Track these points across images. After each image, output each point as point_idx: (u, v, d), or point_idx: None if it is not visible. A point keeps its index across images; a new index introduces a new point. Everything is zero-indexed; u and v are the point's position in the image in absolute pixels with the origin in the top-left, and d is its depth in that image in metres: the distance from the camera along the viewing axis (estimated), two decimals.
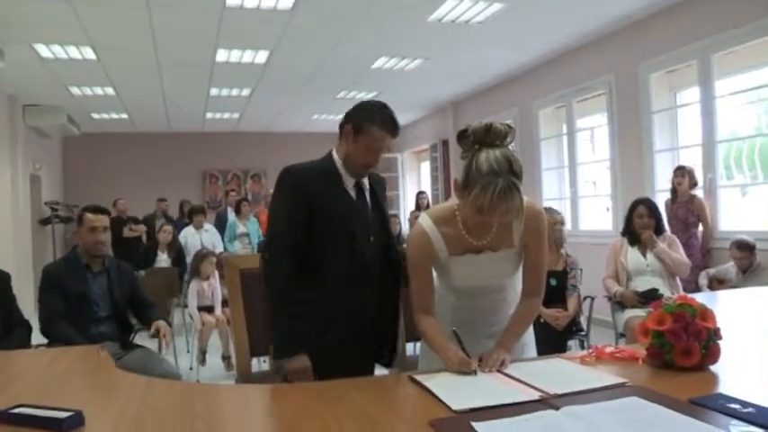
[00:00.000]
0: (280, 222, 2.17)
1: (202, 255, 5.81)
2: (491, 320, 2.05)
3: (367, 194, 2.25)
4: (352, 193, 2.20)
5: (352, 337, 2.14)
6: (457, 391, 1.54)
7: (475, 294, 2.05)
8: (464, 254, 1.94)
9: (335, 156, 2.20)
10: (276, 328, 2.13)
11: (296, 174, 2.16)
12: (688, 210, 5.41)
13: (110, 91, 8.57)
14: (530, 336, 2.15)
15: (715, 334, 1.69)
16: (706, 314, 1.71)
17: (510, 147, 1.80)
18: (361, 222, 2.19)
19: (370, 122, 2.11)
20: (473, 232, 1.92)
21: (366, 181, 2.25)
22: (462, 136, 1.81)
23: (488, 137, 1.76)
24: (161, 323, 3.42)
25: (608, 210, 7.09)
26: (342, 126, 2.19)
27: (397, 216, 8.70)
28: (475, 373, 1.71)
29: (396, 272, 2.26)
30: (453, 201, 1.95)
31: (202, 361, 5.35)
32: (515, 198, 1.71)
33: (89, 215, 3.43)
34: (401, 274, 2.22)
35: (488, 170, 1.70)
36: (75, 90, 8.42)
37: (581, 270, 4.39)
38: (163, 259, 6.96)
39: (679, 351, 1.66)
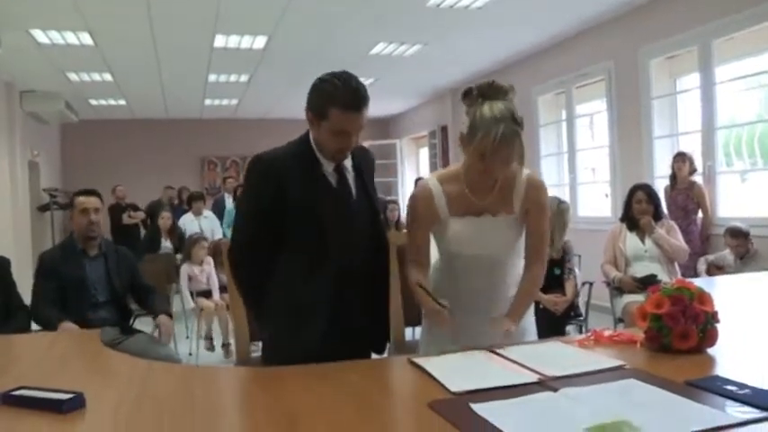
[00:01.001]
0: (245, 220, 2.07)
1: (194, 240, 5.84)
2: (490, 300, 2.05)
3: (350, 177, 2.03)
4: (332, 179, 1.98)
5: (338, 330, 1.95)
6: (456, 374, 1.55)
7: (473, 267, 2.03)
8: (465, 216, 1.98)
9: (312, 139, 1.98)
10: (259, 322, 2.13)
11: (267, 162, 1.97)
12: (688, 196, 5.42)
13: (108, 77, 8.53)
14: (530, 320, 2.18)
15: (713, 317, 1.70)
16: (704, 298, 1.72)
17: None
18: (343, 210, 1.99)
19: (328, 104, 1.85)
20: (476, 190, 1.98)
21: (349, 162, 2.03)
22: (467, 92, 1.93)
23: (491, 91, 1.89)
24: (162, 319, 3.41)
25: (607, 196, 7.10)
26: (305, 111, 1.95)
27: (396, 202, 8.68)
28: (447, 309, 1.85)
29: (384, 259, 2.14)
30: (460, 164, 2.03)
31: (210, 348, 5.36)
32: (516, 143, 1.83)
33: (80, 198, 3.44)
34: (389, 259, 2.17)
35: (491, 117, 1.82)
36: (72, 76, 8.38)
37: (579, 256, 4.40)
38: (166, 246, 6.96)
39: (677, 334, 1.67)
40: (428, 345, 2.08)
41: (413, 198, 2.07)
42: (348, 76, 1.88)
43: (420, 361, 1.68)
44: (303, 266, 1.97)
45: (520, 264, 2.10)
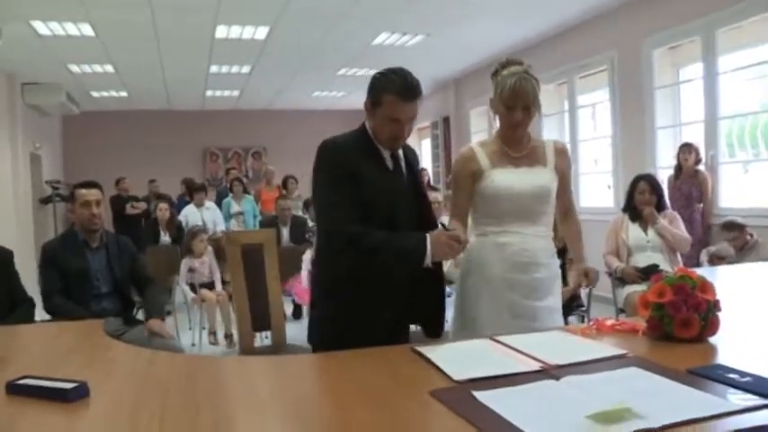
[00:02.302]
0: (331, 192, 2.07)
1: (193, 233, 5.82)
2: (530, 270, 2.23)
3: (402, 163, 2.20)
4: (389, 163, 2.15)
5: (388, 307, 2.08)
6: (458, 362, 1.55)
7: (516, 220, 2.23)
8: (506, 167, 2.27)
9: (368, 128, 2.15)
10: (401, 259, 2.03)
11: (335, 146, 2.10)
12: (692, 184, 5.41)
13: (109, 68, 8.51)
14: (558, 303, 2.33)
15: (714, 306, 1.70)
16: (706, 286, 1.72)
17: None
18: (401, 193, 2.14)
19: (382, 91, 2.04)
20: (511, 145, 2.29)
21: (401, 151, 2.20)
22: (493, 73, 2.28)
23: (508, 62, 2.26)
24: (152, 324, 3.27)
25: (609, 188, 7.08)
26: (364, 102, 2.15)
27: None
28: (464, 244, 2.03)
29: None
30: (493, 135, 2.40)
31: (215, 342, 5.37)
32: (531, 90, 2.17)
33: (81, 190, 3.42)
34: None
35: (508, 74, 2.20)
36: (74, 68, 8.36)
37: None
38: (164, 240, 6.94)
39: (678, 323, 1.68)
40: (460, 321, 2.31)
41: (457, 158, 2.39)
42: (404, 70, 2.08)
43: (423, 349, 1.69)
44: None
45: (550, 233, 2.34)
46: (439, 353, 1.65)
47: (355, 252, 2.01)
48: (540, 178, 2.27)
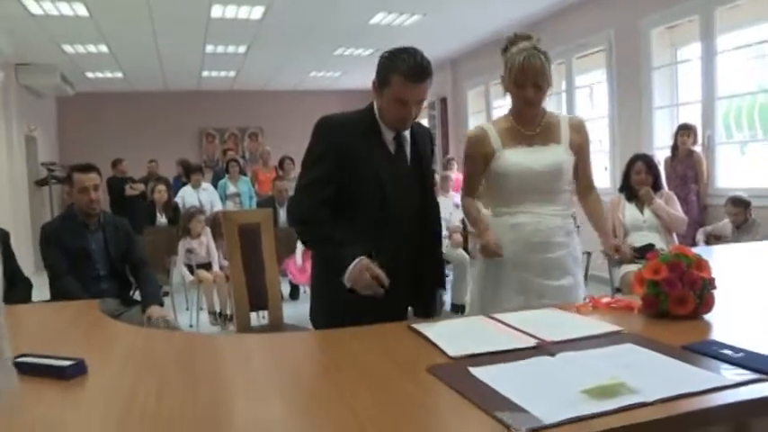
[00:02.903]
0: (307, 167, 2.09)
1: (190, 213, 5.82)
2: (545, 249, 2.21)
3: (407, 146, 2.13)
4: (391, 146, 2.09)
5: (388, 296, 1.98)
6: (454, 339, 1.56)
7: (529, 198, 2.22)
8: (517, 147, 2.25)
9: (375, 108, 2.11)
10: (328, 259, 2.05)
11: (332, 122, 2.08)
12: (687, 165, 5.42)
13: (103, 49, 8.43)
14: (578, 282, 2.31)
15: (710, 283, 1.71)
16: (701, 264, 1.73)
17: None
18: (399, 176, 2.08)
19: (390, 72, 1.98)
20: (523, 123, 2.26)
21: (408, 133, 2.13)
22: (503, 49, 2.25)
23: (516, 38, 2.23)
24: (153, 310, 3.17)
25: (606, 169, 7.08)
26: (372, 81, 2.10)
27: None
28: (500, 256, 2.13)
29: (434, 227, 2.22)
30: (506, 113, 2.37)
31: (215, 322, 5.39)
32: (539, 66, 2.15)
33: (79, 175, 3.36)
34: (440, 228, 2.27)
35: (517, 51, 2.18)
36: (68, 48, 8.28)
37: (578, 227, 4.39)
38: (161, 221, 6.93)
39: (674, 300, 1.69)
40: (478, 300, 2.32)
41: (469, 139, 2.35)
42: (414, 50, 2.01)
43: (419, 327, 1.70)
44: (363, 231, 2.02)
45: (568, 211, 2.31)
46: (435, 330, 1.66)
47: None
48: (553, 156, 2.23)
